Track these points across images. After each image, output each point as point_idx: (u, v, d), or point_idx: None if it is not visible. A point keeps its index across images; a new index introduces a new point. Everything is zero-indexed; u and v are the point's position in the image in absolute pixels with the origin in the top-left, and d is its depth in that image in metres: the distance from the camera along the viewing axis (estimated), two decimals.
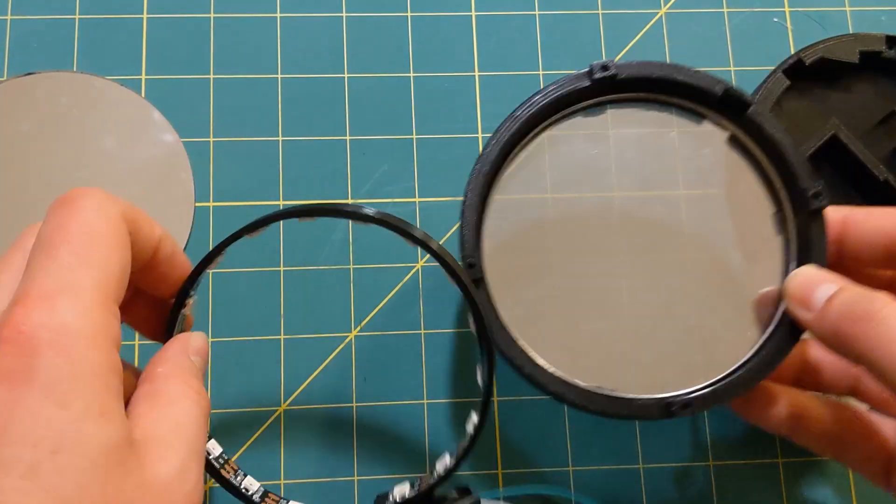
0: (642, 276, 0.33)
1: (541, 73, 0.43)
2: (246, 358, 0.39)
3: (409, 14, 0.44)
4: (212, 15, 0.43)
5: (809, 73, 0.42)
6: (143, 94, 0.41)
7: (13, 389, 0.20)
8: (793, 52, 0.43)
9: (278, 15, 0.43)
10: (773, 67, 0.42)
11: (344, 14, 0.43)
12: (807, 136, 0.41)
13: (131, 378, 0.26)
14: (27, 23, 0.42)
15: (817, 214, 0.32)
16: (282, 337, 0.39)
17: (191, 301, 0.30)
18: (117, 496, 0.20)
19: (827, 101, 0.43)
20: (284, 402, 0.39)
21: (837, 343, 0.28)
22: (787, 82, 0.41)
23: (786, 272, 0.33)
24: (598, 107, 0.34)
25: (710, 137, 0.34)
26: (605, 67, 0.33)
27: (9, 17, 0.42)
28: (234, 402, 0.39)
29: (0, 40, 0.42)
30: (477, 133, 0.42)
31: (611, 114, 0.34)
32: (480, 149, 0.42)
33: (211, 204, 0.40)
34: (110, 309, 0.22)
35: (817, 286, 0.29)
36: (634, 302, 0.33)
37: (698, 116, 0.35)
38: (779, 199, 0.34)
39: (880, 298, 0.27)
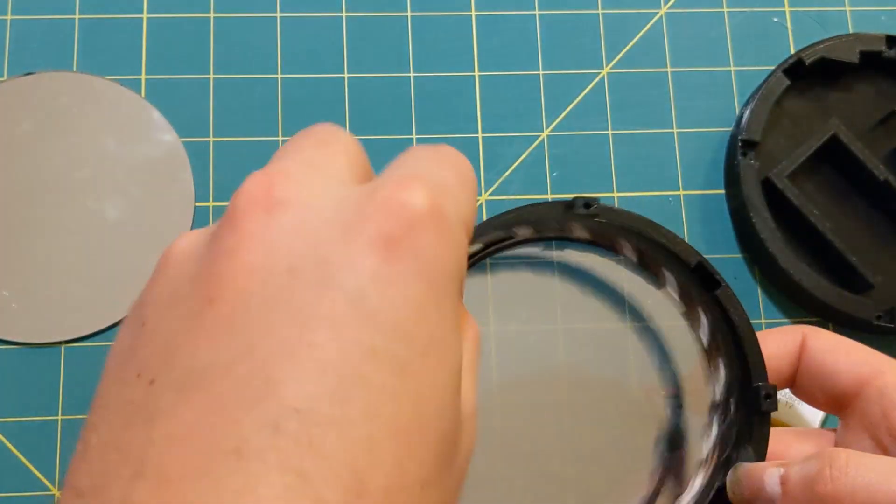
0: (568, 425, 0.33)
1: (541, 72, 0.43)
2: None
3: (409, 14, 0.44)
4: (212, 15, 0.43)
5: (809, 73, 0.42)
6: (142, 94, 0.41)
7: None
8: (793, 52, 0.43)
9: (278, 15, 0.43)
10: (773, 67, 0.42)
11: (344, 14, 0.43)
12: (807, 136, 0.42)
13: None
14: (27, 23, 0.42)
15: (765, 416, 0.30)
16: None
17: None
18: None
19: (827, 101, 0.43)
20: None
21: None
22: (787, 82, 0.41)
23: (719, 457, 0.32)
24: (560, 240, 0.33)
25: (661, 306, 0.34)
26: (587, 205, 0.31)
27: (9, 17, 0.42)
28: None
29: (0, 40, 0.42)
30: (477, 133, 0.42)
31: (568, 252, 0.34)
32: (480, 150, 0.42)
33: (211, 204, 0.40)
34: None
35: (762, 476, 0.28)
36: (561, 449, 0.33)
37: (657, 281, 0.34)
38: (724, 386, 0.32)
39: (836, 460, 0.26)
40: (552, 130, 0.43)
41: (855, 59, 0.42)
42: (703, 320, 0.32)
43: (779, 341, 0.31)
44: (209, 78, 0.42)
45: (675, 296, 0.33)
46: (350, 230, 0.17)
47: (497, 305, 0.33)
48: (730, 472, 0.29)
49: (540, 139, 0.42)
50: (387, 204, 0.18)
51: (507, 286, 0.33)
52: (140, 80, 0.42)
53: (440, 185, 0.19)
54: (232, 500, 0.14)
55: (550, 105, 0.43)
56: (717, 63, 0.44)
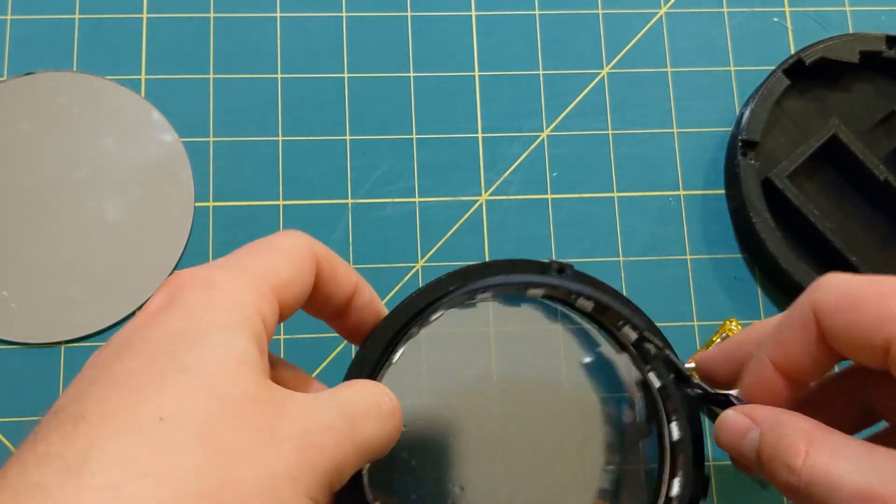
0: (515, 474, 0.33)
1: (541, 72, 0.43)
2: None
3: (409, 14, 0.44)
4: (212, 15, 0.43)
5: (809, 73, 0.42)
6: (142, 94, 0.41)
7: (153, 318, 0.22)
8: (793, 52, 0.43)
9: (278, 15, 0.43)
10: (773, 67, 0.42)
11: (344, 14, 0.43)
12: (807, 136, 0.42)
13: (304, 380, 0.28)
14: (27, 23, 0.42)
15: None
16: (282, 337, 0.39)
17: (396, 355, 0.29)
18: (227, 385, 0.21)
19: (827, 101, 0.43)
20: None
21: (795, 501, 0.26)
22: (787, 82, 0.42)
23: None
24: (521, 297, 0.33)
25: (624, 369, 0.34)
26: (561, 269, 0.30)
27: (9, 17, 0.42)
28: None
29: (0, 40, 0.42)
30: (477, 133, 0.42)
31: (525, 308, 0.34)
32: (480, 150, 0.42)
33: (211, 204, 0.40)
34: (260, 290, 0.24)
35: (743, 438, 0.27)
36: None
37: (620, 347, 0.33)
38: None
39: (796, 445, 0.25)
40: (552, 130, 0.43)
41: (855, 59, 0.42)
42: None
43: (793, 336, 0.28)
44: (209, 78, 0.42)
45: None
46: None
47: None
48: (717, 419, 0.28)
49: (540, 139, 0.42)
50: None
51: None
52: (140, 80, 0.42)
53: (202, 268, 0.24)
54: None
55: (550, 105, 0.43)
56: (717, 63, 0.44)
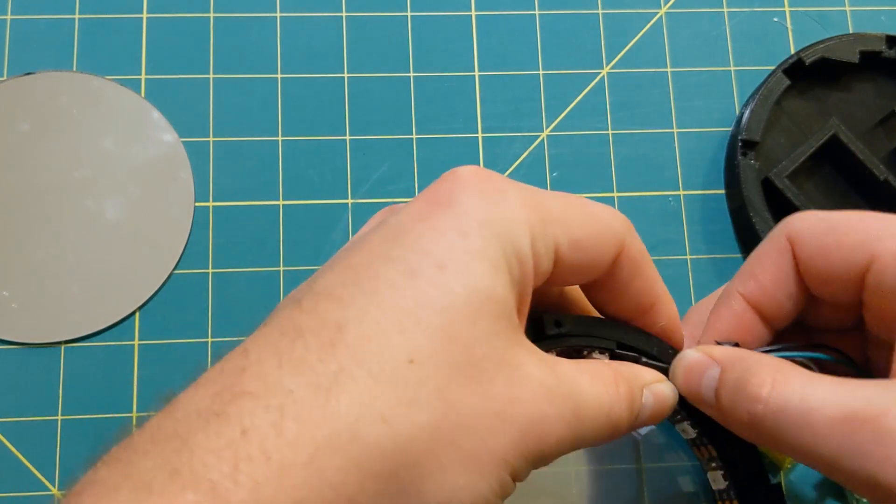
0: None
1: (541, 72, 0.43)
2: None
3: (409, 14, 0.44)
4: (212, 15, 0.43)
5: (809, 73, 0.42)
6: (142, 94, 0.41)
7: (431, 211, 0.22)
8: (793, 52, 0.43)
9: (278, 15, 0.43)
10: (773, 67, 0.42)
11: (344, 14, 0.43)
12: (807, 136, 0.42)
13: None
14: (27, 23, 0.42)
15: None
16: None
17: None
18: (477, 340, 0.20)
19: (827, 101, 0.43)
20: None
21: (753, 441, 0.25)
22: (787, 82, 0.41)
23: None
24: None
25: None
26: (558, 323, 0.26)
27: (9, 17, 0.42)
28: None
29: (0, 40, 0.42)
30: (477, 133, 0.42)
31: None
32: (480, 150, 0.42)
33: (211, 204, 0.40)
34: (545, 240, 0.22)
35: (701, 377, 0.26)
36: None
37: None
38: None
39: (761, 376, 0.24)
40: (552, 130, 0.43)
41: (855, 59, 0.42)
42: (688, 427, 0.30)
43: (766, 267, 0.27)
44: (209, 78, 0.42)
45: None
46: None
47: None
48: (674, 360, 0.27)
49: (540, 139, 0.42)
50: None
51: None
52: (140, 80, 0.42)
53: (514, 182, 0.23)
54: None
55: (550, 105, 0.43)
56: (717, 63, 0.44)
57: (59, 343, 0.38)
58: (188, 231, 0.40)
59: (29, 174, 0.40)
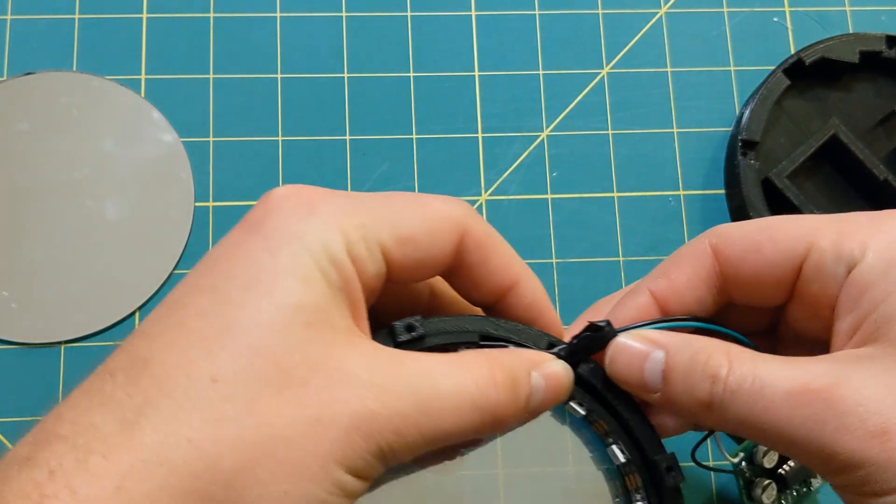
0: None
1: (541, 72, 0.43)
2: None
3: (409, 14, 0.44)
4: (212, 15, 0.43)
5: (809, 73, 0.42)
6: (142, 94, 0.41)
7: (241, 236, 0.22)
8: (793, 52, 0.43)
9: (278, 15, 0.43)
10: (773, 67, 0.42)
11: (344, 14, 0.43)
12: (807, 136, 0.42)
13: None
14: (27, 23, 0.42)
15: (675, 493, 0.27)
16: None
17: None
18: (287, 351, 0.20)
19: (827, 101, 0.43)
20: None
21: (699, 421, 0.25)
22: (787, 82, 0.41)
23: None
24: None
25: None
26: (409, 328, 0.25)
27: (9, 17, 0.42)
28: None
29: (0, 40, 0.42)
30: (477, 133, 0.42)
31: None
32: (480, 150, 0.42)
33: (211, 204, 0.40)
34: (366, 234, 0.23)
35: (644, 361, 0.25)
36: None
37: None
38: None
39: (717, 357, 0.24)
40: (552, 130, 0.43)
41: (855, 59, 0.42)
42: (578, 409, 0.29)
43: (682, 270, 0.27)
44: (209, 78, 0.42)
45: None
46: None
47: None
48: (609, 349, 0.26)
49: (540, 139, 0.42)
50: None
51: None
52: (140, 80, 0.42)
53: (336, 192, 0.23)
54: None
55: (550, 105, 0.43)
56: (717, 63, 0.44)
57: (59, 343, 0.38)
58: (188, 231, 0.40)
59: (29, 174, 0.40)
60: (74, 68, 0.42)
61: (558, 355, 0.26)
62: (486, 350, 0.24)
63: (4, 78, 0.41)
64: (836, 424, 0.21)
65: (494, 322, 0.26)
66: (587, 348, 0.26)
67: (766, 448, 0.35)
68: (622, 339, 0.26)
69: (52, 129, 0.41)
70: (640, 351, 0.25)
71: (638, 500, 0.28)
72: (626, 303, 0.27)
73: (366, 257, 0.23)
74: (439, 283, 0.27)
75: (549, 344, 0.26)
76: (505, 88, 0.43)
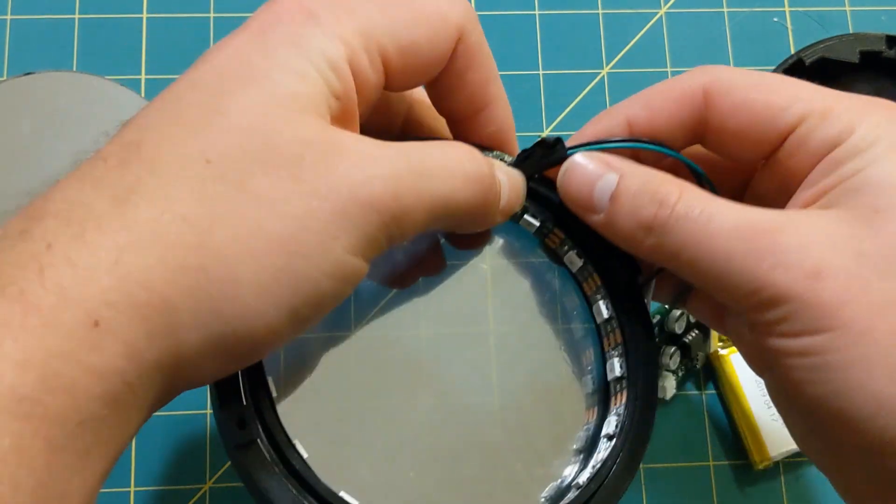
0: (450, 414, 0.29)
1: (541, 72, 0.43)
2: None
3: None
4: (211, 15, 0.43)
5: (809, 73, 0.42)
6: (143, 94, 0.41)
7: (242, 40, 0.22)
8: (793, 52, 0.43)
9: None
10: (773, 67, 0.42)
11: None
12: None
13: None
14: (27, 23, 0.42)
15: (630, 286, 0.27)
16: None
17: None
18: (280, 132, 0.20)
19: None
20: None
21: (636, 247, 0.25)
22: None
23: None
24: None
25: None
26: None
27: (9, 17, 0.42)
28: None
29: (0, 40, 0.42)
30: None
31: None
32: None
33: None
34: (364, 42, 0.22)
35: (595, 182, 0.25)
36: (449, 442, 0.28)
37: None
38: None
39: (669, 186, 0.24)
40: (552, 130, 0.43)
41: (855, 59, 0.42)
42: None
43: (667, 105, 0.26)
44: None
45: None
46: None
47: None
48: (563, 166, 0.26)
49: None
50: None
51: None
52: (140, 80, 0.42)
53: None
54: None
55: (550, 105, 0.43)
56: (717, 63, 0.44)
57: None
58: None
59: (29, 174, 0.40)
60: (74, 68, 0.42)
61: (510, 164, 0.26)
62: (462, 143, 0.24)
63: (4, 78, 0.41)
64: (774, 261, 0.22)
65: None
66: (538, 164, 0.26)
67: (677, 315, 0.38)
68: (578, 158, 0.25)
69: (52, 129, 0.41)
70: (593, 171, 0.25)
71: (599, 300, 0.28)
72: (598, 122, 0.27)
73: (367, 67, 0.22)
74: (418, 92, 0.27)
75: (501, 158, 0.27)
76: (505, 88, 0.43)
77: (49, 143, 0.40)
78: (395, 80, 0.23)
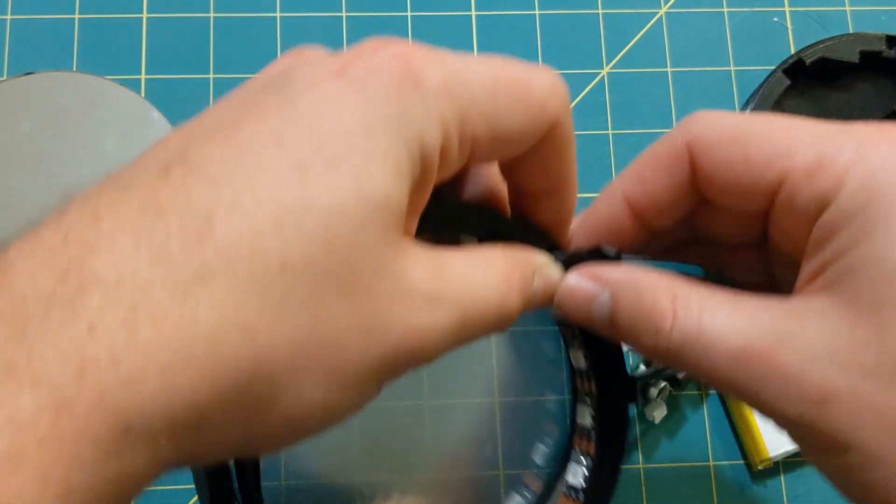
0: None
1: None
2: None
3: (409, 14, 0.44)
4: (212, 15, 0.43)
5: (809, 73, 0.42)
6: (142, 94, 0.41)
7: (342, 92, 0.19)
8: (793, 52, 0.43)
9: (278, 15, 0.43)
10: (773, 67, 0.42)
11: (344, 14, 0.43)
12: None
13: None
14: (27, 23, 0.42)
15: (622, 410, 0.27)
16: None
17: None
18: (362, 250, 0.18)
19: (827, 101, 0.43)
20: None
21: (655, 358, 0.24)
22: (787, 82, 0.41)
23: None
24: None
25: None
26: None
27: (9, 17, 0.42)
28: None
29: (0, 40, 0.42)
30: None
31: None
32: None
33: None
34: (462, 138, 0.20)
35: (591, 303, 0.24)
36: None
37: None
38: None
39: (662, 303, 0.22)
40: None
41: (855, 59, 0.42)
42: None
43: (658, 173, 0.25)
44: (209, 78, 0.42)
45: None
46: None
47: None
48: (560, 287, 0.25)
49: None
50: (359, 48, 0.20)
51: None
52: (140, 80, 0.42)
53: (443, 63, 0.20)
54: None
55: None
56: (717, 63, 0.44)
57: None
58: None
59: (29, 174, 0.40)
60: (74, 68, 0.42)
61: (558, 259, 0.25)
62: (501, 247, 0.23)
63: (4, 78, 0.41)
64: (776, 390, 0.21)
65: (501, 218, 0.25)
66: (582, 258, 0.26)
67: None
68: (571, 280, 0.24)
69: (52, 130, 0.41)
70: (585, 291, 0.24)
71: (585, 405, 0.28)
72: (600, 212, 0.26)
73: (455, 152, 0.20)
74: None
75: (550, 246, 0.25)
76: None
77: (49, 143, 0.40)
78: (475, 158, 0.22)
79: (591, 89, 0.43)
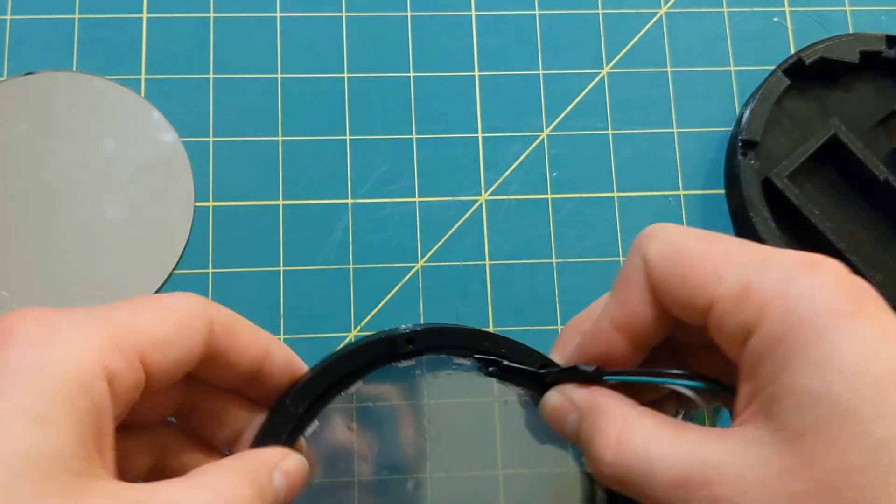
0: None
1: (541, 72, 0.43)
2: None
3: (409, 14, 0.44)
4: (212, 15, 0.43)
5: (809, 73, 0.42)
6: (142, 94, 0.41)
7: None
8: (793, 52, 0.43)
9: (278, 15, 0.43)
10: (773, 67, 0.42)
11: (344, 14, 0.43)
12: (807, 136, 0.42)
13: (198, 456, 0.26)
14: (27, 23, 0.42)
15: None
16: (281, 337, 0.39)
17: (310, 429, 0.27)
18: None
19: (827, 101, 0.43)
20: None
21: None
22: (787, 82, 0.42)
23: None
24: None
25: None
26: (409, 340, 0.26)
27: (9, 17, 0.42)
28: None
29: (0, 40, 0.42)
30: (477, 133, 0.42)
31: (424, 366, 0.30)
32: (480, 150, 0.42)
33: (210, 204, 0.40)
34: (117, 348, 0.21)
35: (564, 420, 0.26)
36: None
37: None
38: None
39: (608, 431, 0.24)
40: (552, 130, 0.43)
41: (855, 59, 0.42)
42: None
43: (628, 291, 0.26)
44: (209, 78, 0.42)
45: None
46: None
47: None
48: (542, 398, 0.27)
49: (540, 139, 0.42)
50: None
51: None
52: (140, 80, 0.42)
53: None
54: None
55: (550, 105, 0.43)
56: (717, 63, 0.44)
57: None
58: (188, 231, 0.40)
59: (29, 174, 0.40)
60: (74, 68, 0.42)
61: (545, 379, 0.27)
62: (228, 462, 0.24)
63: (4, 78, 0.41)
64: None
65: (488, 336, 0.27)
66: (570, 380, 0.27)
67: None
68: (551, 397, 0.27)
69: (52, 129, 0.41)
70: (561, 408, 0.26)
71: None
72: (594, 338, 0.27)
73: (124, 370, 0.21)
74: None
75: (542, 364, 0.27)
76: (505, 88, 0.43)
77: (49, 143, 0.40)
78: (156, 376, 0.23)
79: (591, 89, 0.43)
